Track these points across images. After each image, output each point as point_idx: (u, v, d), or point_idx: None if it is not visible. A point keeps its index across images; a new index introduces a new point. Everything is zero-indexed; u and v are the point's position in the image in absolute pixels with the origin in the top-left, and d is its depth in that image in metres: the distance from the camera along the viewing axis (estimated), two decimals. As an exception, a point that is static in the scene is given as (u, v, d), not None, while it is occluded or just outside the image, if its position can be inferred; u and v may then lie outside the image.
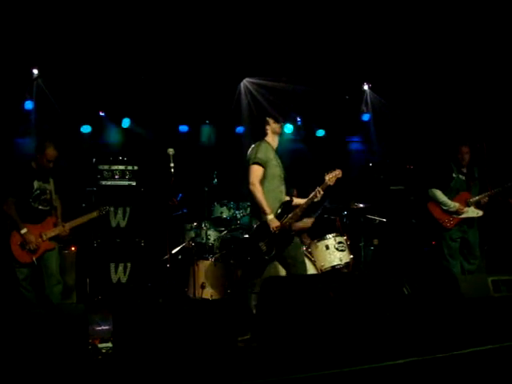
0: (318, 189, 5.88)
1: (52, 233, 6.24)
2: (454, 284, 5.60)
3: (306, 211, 6.14)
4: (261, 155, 5.88)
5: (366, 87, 10.48)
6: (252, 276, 5.95)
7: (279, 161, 6.08)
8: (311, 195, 5.92)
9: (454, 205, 7.31)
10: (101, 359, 4.84)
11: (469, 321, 5.15)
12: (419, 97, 9.75)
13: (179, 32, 8.37)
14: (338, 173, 5.95)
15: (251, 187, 5.85)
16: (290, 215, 5.86)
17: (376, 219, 8.60)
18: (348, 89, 10.36)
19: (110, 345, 5.11)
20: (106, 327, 6.19)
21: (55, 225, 6.32)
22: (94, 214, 6.67)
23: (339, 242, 7.49)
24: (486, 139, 7.40)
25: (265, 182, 5.88)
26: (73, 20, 7.82)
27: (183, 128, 9.96)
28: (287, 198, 6.02)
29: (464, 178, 7.44)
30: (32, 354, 4.18)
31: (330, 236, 7.52)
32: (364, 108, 10.58)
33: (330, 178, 5.90)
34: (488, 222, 7.67)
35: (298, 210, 5.90)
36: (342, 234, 7.68)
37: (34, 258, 6.08)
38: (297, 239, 6.04)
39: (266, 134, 6.10)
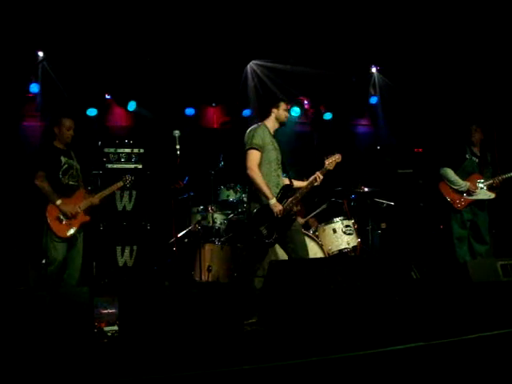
0: (318, 173, 5.88)
1: (86, 204, 6.19)
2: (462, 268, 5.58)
3: (307, 195, 6.10)
4: (257, 140, 5.83)
5: (373, 70, 10.41)
6: (254, 260, 5.93)
7: (276, 144, 6.02)
8: (311, 179, 5.91)
9: (465, 184, 7.26)
10: (106, 342, 4.84)
11: (478, 305, 5.11)
12: (427, 80, 9.67)
13: (186, 14, 8.29)
14: (337, 157, 5.94)
15: (250, 172, 5.80)
16: (290, 199, 5.81)
17: (384, 203, 8.56)
18: (356, 71, 10.28)
19: (115, 328, 5.10)
20: (112, 310, 6.19)
21: (85, 197, 6.27)
22: (120, 184, 6.62)
23: (346, 226, 7.48)
24: (496, 121, 7.33)
25: (261, 167, 5.84)
26: (78, 2, 7.75)
27: (190, 111, 9.90)
28: (286, 182, 5.99)
29: (477, 160, 7.39)
30: (37, 337, 4.17)
31: (338, 219, 7.51)
32: (372, 91, 10.51)
33: (330, 162, 5.90)
34: (496, 206, 7.61)
35: (298, 194, 5.85)
36: (350, 218, 7.66)
37: (74, 230, 6.05)
38: (297, 224, 6.01)
39: (267, 116, 6.06)
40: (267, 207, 5.72)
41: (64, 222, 6.01)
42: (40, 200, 6.08)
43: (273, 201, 5.71)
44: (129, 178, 6.71)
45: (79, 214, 6.13)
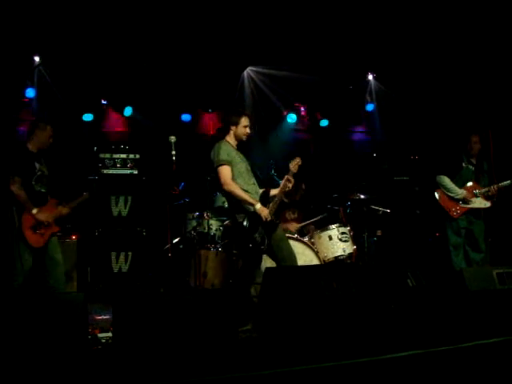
0: (286, 176, 5.89)
1: (56, 214, 6.04)
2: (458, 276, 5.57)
3: (286, 198, 6.15)
4: (223, 156, 5.82)
5: (370, 77, 10.42)
6: (251, 267, 5.92)
7: (242, 156, 6.01)
8: (282, 183, 5.93)
9: (461, 192, 7.26)
10: (100, 349, 4.80)
11: (474, 313, 5.10)
12: (424, 87, 9.68)
13: (182, 20, 8.29)
14: (298, 160, 5.93)
15: (226, 187, 5.79)
16: (270, 204, 5.84)
17: (380, 210, 8.55)
18: (352, 79, 10.28)
19: (109, 334, 5.06)
20: (106, 317, 6.16)
21: (56, 206, 6.12)
22: (86, 196, 6.44)
23: (342, 233, 7.45)
24: (493, 130, 7.32)
25: (236, 180, 5.84)
26: (74, 7, 7.75)
27: (186, 117, 9.89)
28: (262, 189, 6.00)
29: (473, 168, 7.40)
30: (31, 343, 4.14)
31: (334, 226, 7.49)
32: (368, 98, 10.52)
33: (293, 165, 5.90)
34: (492, 214, 7.60)
35: (277, 199, 5.89)
36: (346, 225, 7.64)
37: (46, 240, 5.89)
38: (281, 231, 6.01)
39: (227, 133, 6.02)
40: (255, 214, 5.73)
41: (38, 232, 5.84)
42: (10, 207, 5.84)
43: (258, 205, 5.73)
44: (94, 188, 6.78)
45: (51, 224, 5.97)
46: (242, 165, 5.94)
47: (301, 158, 5.96)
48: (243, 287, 5.89)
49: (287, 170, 5.90)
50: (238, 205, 5.84)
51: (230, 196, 5.90)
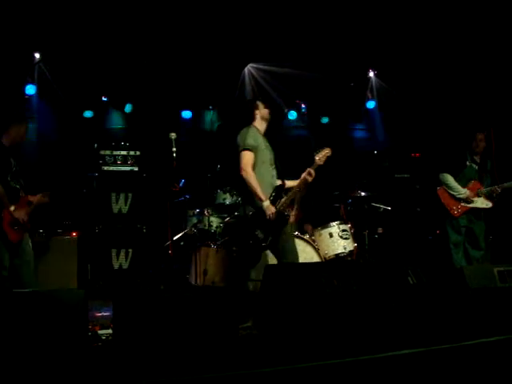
0: (309, 170, 5.83)
1: (35, 206, 5.91)
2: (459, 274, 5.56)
3: (305, 196, 6.07)
4: (250, 141, 5.80)
5: (371, 74, 10.40)
6: (249, 263, 5.91)
7: (268, 144, 6.00)
8: (302, 176, 5.85)
9: (464, 191, 7.23)
10: (100, 346, 4.79)
11: (475, 311, 5.09)
12: (425, 84, 9.66)
13: (183, 16, 8.27)
14: (327, 151, 5.87)
15: (243, 173, 5.77)
16: (283, 199, 5.78)
17: (381, 207, 8.55)
18: (353, 76, 10.27)
19: (110, 331, 5.06)
20: (107, 313, 6.15)
21: (29, 203, 5.92)
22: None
23: (343, 230, 7.46)
24: (495, 127, 7.30)
25: (255, 168, 5.80)
26: (75, 4, 7.73)
27: (186, 114, 9.88)
28: (279, 182, 5.95)
29: (477, 167, 7.36)
30: (30, 340, 4.13)
31: (334, 224, 7.50)
32: (369, 95, 10.51)
33: (320, 157, 5.83)
34: (493, 213, 7.58)
35: (290, 194, 5.84)
36: (346, 222, 7.65)
37: (21, 237, 5.77)
38: (288, 227, 5.97)
39: (253, 119, 6.02)
40: (261, 210, 5.70)
41: (15, 228, 5.72)
42: None
43: (266, 203, 5.69)
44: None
45: (26, 221, 5.82)
46: (267, 152, 5.93)
47: (331, 149, 5.89)
48: (239, 283, 5.87)
49: (311, 162, 5.83)
50: (249, 196, 5.81)
51: (244, 183, 5.84)
